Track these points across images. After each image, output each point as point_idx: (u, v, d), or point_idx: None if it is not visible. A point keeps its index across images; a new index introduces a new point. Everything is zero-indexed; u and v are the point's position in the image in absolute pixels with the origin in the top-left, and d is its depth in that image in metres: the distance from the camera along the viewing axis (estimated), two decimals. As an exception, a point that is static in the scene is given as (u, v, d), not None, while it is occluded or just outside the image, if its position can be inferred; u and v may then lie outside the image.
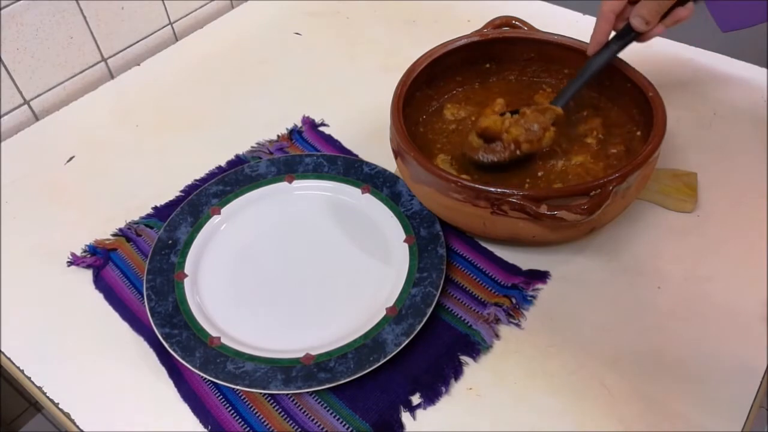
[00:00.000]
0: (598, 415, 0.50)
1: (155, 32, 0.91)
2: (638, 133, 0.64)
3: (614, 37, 0.62)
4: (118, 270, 0.62)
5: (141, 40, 0.90)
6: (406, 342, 0.52)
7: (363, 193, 0.66)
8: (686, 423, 0.49)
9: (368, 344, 0.53)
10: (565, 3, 0.91)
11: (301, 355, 0.53)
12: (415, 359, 0.53)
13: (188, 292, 0.58)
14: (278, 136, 0.75)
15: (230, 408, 0.51)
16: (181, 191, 0.69)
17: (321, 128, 0.76)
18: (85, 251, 0.63)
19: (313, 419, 0.50)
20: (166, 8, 0.91)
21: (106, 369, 0.55)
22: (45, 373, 0.55)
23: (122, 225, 0.66)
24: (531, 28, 0.70)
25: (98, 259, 0.62)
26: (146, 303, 0.56)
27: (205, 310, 0.57)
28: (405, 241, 0.61)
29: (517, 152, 0.60)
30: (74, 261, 0.62)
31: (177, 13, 0.93)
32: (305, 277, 0.60)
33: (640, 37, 0.61)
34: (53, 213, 0.68)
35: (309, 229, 0.64)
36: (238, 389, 0.52)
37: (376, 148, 0.70)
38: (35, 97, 0.81)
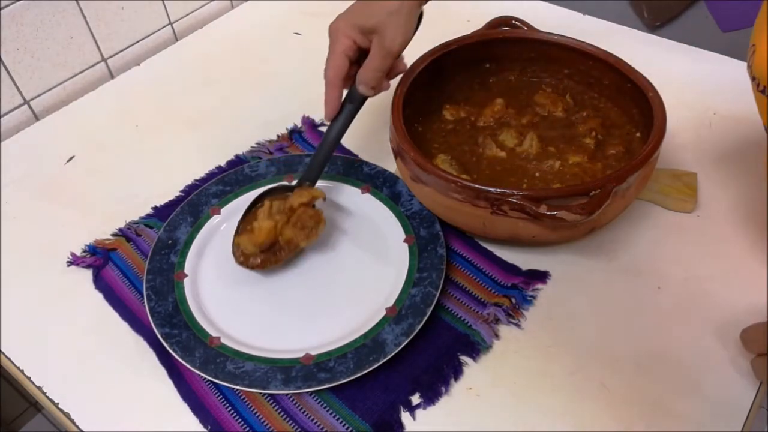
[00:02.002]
0: (598, 415, 0.50)
1: (155, 32, 0.91)
2: (638, 134, 0.64)
3: (346, 98, 0.60)
4: (118, 270, 0.62)
5: (141, 40, 0.90)
6: (406, 342, 0.52)
7: (363, 193, 0.66)
8: (686, 423, 0.49)
9: (368, 344, 0.53)
10: (565, 3, 0.91)
11: (300, 355, 0.53)
12: (415, 359, 0.53)
13: (188, 292, 0.58)
14: (278, 136, 0.75)
15: (230, 408, 0.51)
16: (181, 191, 0.69)
17: (321, 128, 0.76)
18: (85, 251, 0.63)
19: (313, 419, 0.50)
20: (166, 8, 0.91)
21: (106, 369, 0.55)
22: (45, 373, 0.55)
23: (122, 225, 0.66)
24: (531, 28, 0.70)
25: (98, 259, 0.62)
26: (146, 303, 0.56)
27: (205, 310, 0.57)
28: (405, 241, 0.61)
29: (298, 247, 0.59)
30: (74, 261, 0.62)
31: (177, 13, 0.93)
32: (305, 277, 0.60)
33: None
34: (53, 213, 0.68)
35: (309, 229, 0.64)
36: (237, 389, 0.52)
37: (376, 148, 0.70)
38: (35, 97, 0.81)
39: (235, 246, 0.59)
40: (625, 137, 0.65)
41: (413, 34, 0.59)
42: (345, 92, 0.61)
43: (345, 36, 0.58)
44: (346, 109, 0.61)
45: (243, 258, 0.59)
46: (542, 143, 0.64)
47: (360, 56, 0.59)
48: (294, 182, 0.67)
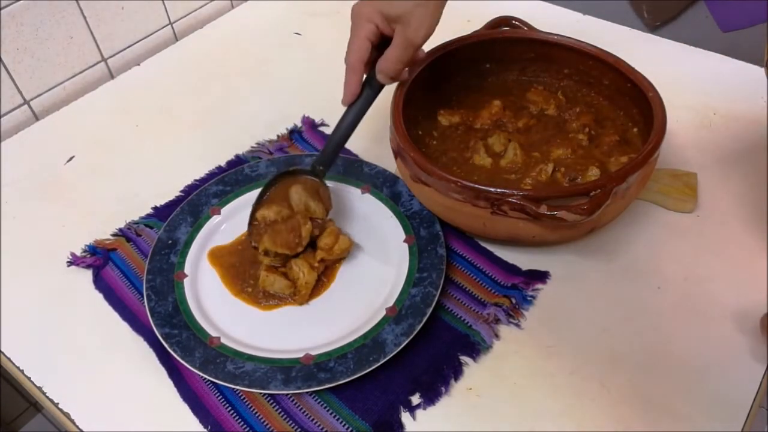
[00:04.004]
0: (598, 415, 0.50)
1: (155, 32, 0.91)
2: (635, 129, 0.64)
3: (365, 83, 0.59)
4: (118, 270, 0.62)
5: (141, 40, 0.90)
6: (406, 342, 0.52)
7: (363, 193, 0.66)
8: (686, 423, 0.49)
9: (368, 344, 0.53)
10: (565, 3, 0.91)
11: (300, 355, 0.53)
12: (415, 359, 0.53)
13: (188, 292, 0.58)
14: (278, 136, 0.75)
15: (230, 408, 0.51)
16: (181, 191, 0.69)
17: (321, 128, 0.76)
18: (85, 251, 0.63)
19: (313, 419, 0.50)
20: (166, 8, 0.91)
21: (106, 369, 0.55)
22: (45, 373, 0.55)
23: (122, 225, 0.66)
24: (531, 28, 0.70)
25: (98, 259, 0.62)
26: (146, 303, 0.56)
27: (205, 310, 0.57)
28: (405, 241, 0.61)
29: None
30: (74, 261, 0.62)
31: (177, 13, 0.93)
32: (305, 277, 0.60)
33: None
34: (53, 213, 0.68)
35: (309, 229, 0.64)
36: (237, 389, 0.52)
37: (376, 148, 0.70)
38: (35, 97, 0.81)
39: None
40: (618, 128, 0.64)
41: (435, 28, 0.58)
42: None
43: (368, 21, 0.56)
44: (365, 94, 0.59)
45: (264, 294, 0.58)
46: (525, 151, 0.63)
47: (382, 42, 0.58)
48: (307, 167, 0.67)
